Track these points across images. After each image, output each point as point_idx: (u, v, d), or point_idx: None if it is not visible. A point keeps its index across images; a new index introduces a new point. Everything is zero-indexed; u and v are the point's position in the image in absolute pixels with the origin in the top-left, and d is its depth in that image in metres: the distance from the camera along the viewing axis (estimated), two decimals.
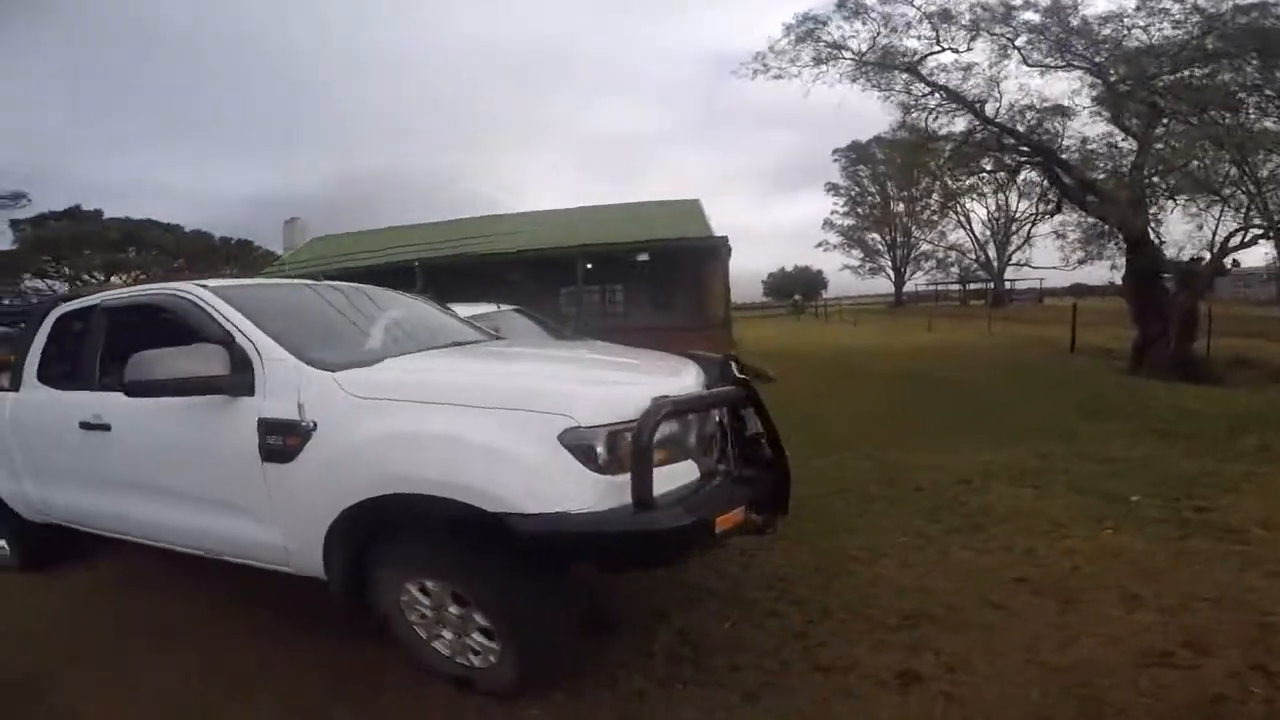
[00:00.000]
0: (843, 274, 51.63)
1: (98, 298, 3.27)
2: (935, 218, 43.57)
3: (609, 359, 3.05)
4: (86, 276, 22.12)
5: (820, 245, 49.26)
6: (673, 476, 1.96)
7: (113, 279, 22.74)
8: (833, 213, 47.88)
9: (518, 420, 1.88)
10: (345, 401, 2.13)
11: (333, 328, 2.88)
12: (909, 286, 48.94)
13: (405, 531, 2.08)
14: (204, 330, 2.51)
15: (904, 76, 10.36)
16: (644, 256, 11.38)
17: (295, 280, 3.66)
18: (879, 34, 9.60)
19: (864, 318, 31.33)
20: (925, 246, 46.78)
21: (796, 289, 56.09)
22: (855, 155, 37.24)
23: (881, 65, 10.20)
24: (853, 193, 46.31)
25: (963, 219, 38.53)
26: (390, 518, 2.05)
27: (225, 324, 2.47)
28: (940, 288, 48.52)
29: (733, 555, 3.07)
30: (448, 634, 2.14)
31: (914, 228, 46.31)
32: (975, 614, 2.49)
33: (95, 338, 3.06)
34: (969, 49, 9.46)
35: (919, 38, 9.62)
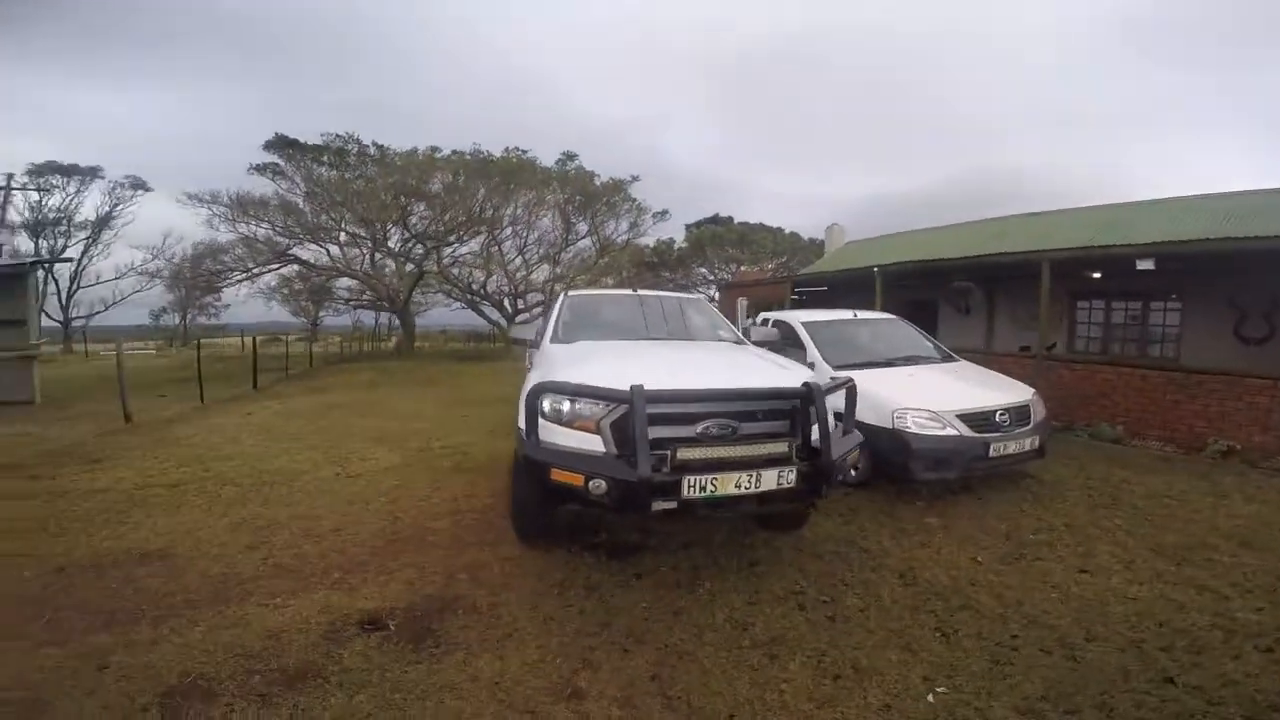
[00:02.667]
0: None
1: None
2: None
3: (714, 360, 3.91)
4: (720, 267, 31.38)
5: None
6: (583, 440, 2.89)
7: (741, 268, 31.12)
8: None
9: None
10: (541, 356, 4.04)
11: (592, 320, 4.84)
12: None
13: None
14: (548, 313, 4.96)
15: None
16: (1146, 264, 8.08)
17: (620, 291, 5.64)
18: None
19: None
20: None
21: None
22: None
23: None
24: None
25: None
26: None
27: (553, 310, 4.87)
28: None
29: None
30: None
31: None
32: None
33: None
34: None
35: None
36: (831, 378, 3.73)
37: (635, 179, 24.87)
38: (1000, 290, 13.37)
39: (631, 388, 2.74)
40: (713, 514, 2.98)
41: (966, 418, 4.87)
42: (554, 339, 4.36)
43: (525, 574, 3.32)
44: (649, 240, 28.98)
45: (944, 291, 13.99)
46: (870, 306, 12.08)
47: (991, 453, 4.85)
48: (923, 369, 5.77)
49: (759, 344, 4.89)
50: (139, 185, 31.96)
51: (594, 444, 2.84)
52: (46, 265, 27.74)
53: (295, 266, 24.77)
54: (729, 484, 2.77)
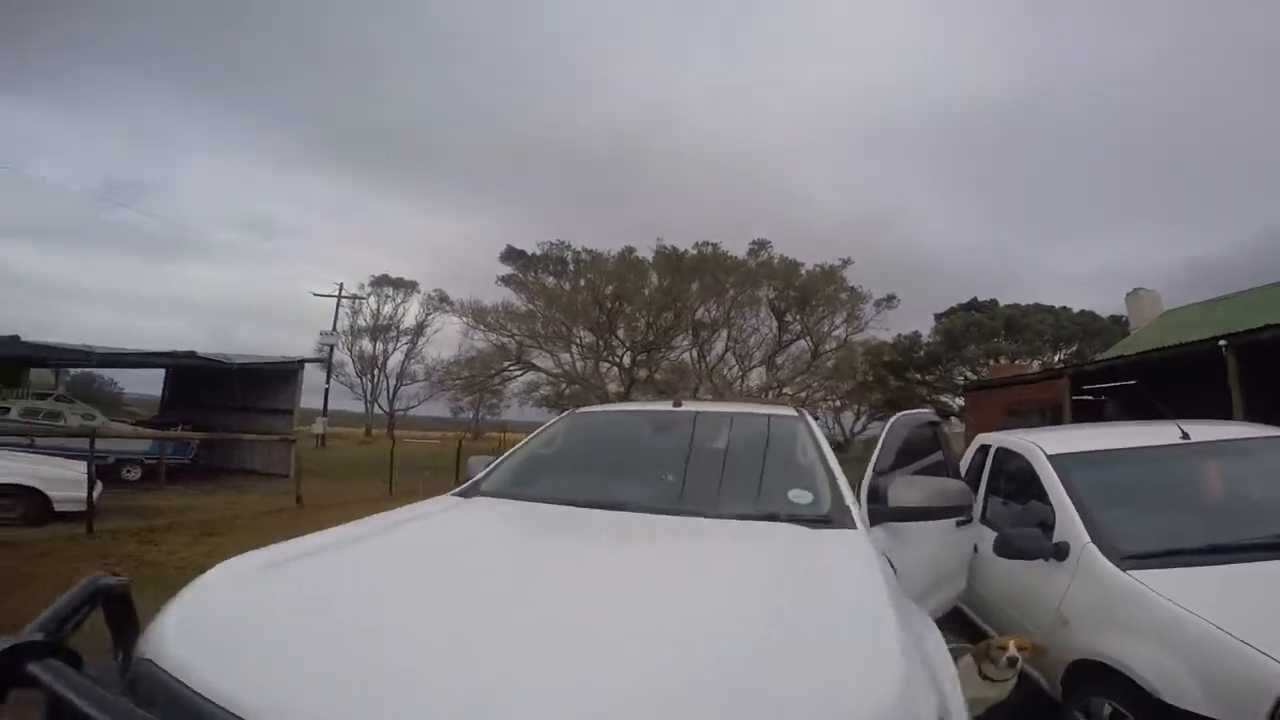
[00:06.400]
0: None
1: None
2: None
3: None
4: (982, 364, 25.63)
5: None
6: None
7: (1004, 361, 25.21)
8: None
9: None
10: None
11: (571, 459, 3.03)
12: None
13: None
14: None
15: None
16: None
17: (656, 407, 3.57)
18: None
19: None
20: None
21: None
22: None
23: None
24: None
25: None
26: None
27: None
28: None
29: None
30: None
31: None
32: None
33: None
34: None
35: None
36: None
37: (848, 262, 22.15)
38: None
39: None
40: None
41: None
42: (480, 485, 2.65)
43: None
44: (886, 335, 25.16)
45: None
46: (1221, 410, 7.49)
47: None
48: None
49: (906, 513, 2.32)
50: (444, 299, 39.83)
51: None
52: (339, 369, 35.32)
53: (540, 373, 27.18)
54: None
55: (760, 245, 22.93)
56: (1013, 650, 2.59)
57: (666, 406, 3.32)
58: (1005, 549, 2.87)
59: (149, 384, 16.92)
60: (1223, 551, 2.45)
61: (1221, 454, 3.25)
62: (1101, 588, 2.48)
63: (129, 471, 11.42)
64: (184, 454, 12.82)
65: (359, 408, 44.83)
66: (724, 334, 23.51)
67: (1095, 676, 2.34)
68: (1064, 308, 25.51)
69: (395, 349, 41.38)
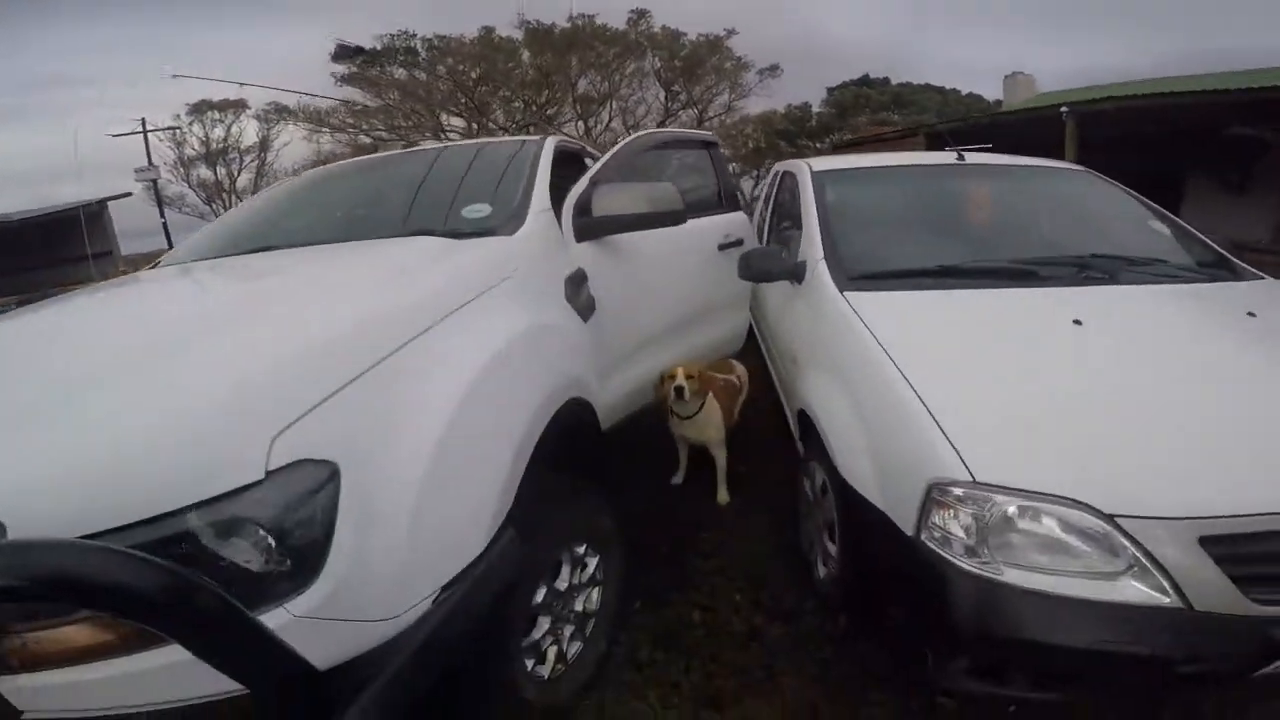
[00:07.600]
0: None
1: None
2: None
3: None
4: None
5: None
6: None
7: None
8: None
9: None
10: None
11: (288, 210, 2.79)
12: None
13: None
14: None
15: None
16: None
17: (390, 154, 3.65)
18: None
19: None
20: None
21: None
22: None
23: None
24: None
25: None
26: None
27: None
28: None
29: None
30: None
31: None
32: None
33: None
34: None
35: None
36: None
37: (732, 32, 21.24)
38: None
39: None
40: None
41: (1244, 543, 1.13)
42: (179, 254, 2.60)
43: None
44: (778, 105, 24.66)
45: (1198, 154, 8.86)
46: None
47: None
48: (1129, 300, 1.89)
49: (614, 224, 2.09)
50: (282, 110, 33.75)
51: None
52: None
53: None
54: None
55: (639, 15, 21.09)
56: (680, 379, 2.28)
57: (394, 152, 3.42)
58: (746, 270, 2.44)
59: None
60: (957, 275, 2.02)
61: (989, 176, 2.95)
62: (820, 314, 2.03)
63: None
64: None
65: None
66: (610, 106, 22.23)
67: (810, 432, 1.87)
68: (953, 89, 25.84)
69: (242, 170, 35.88)
